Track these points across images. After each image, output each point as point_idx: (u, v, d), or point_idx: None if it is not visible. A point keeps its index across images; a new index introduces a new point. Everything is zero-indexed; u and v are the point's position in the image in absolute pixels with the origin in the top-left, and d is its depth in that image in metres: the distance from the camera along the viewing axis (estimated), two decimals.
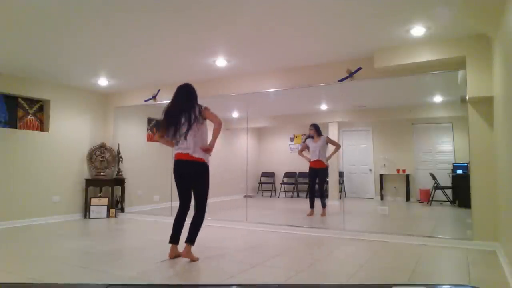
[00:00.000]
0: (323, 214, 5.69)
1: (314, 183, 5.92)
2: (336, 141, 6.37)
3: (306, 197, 8.01)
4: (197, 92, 3.52)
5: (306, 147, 6.01)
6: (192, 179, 3.36)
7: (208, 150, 3.35)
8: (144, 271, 3.00)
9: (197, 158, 3.29)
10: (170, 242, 3.34)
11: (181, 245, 3.35)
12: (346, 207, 5.93)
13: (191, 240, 3.29)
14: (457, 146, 6.62)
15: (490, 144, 3.81)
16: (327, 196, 5.95)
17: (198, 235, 3.35)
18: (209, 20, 3.46)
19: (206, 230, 4.56)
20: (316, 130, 5.91)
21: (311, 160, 5.88)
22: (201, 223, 3.37)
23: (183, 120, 3.30)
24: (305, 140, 6.07)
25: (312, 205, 5.75)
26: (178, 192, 3.42)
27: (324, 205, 5.73)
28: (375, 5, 3.16)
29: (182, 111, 3.32)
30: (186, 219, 3.44)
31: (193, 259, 3.29)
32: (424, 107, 6.54)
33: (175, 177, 3.40)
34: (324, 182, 5.93)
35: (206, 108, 3.38)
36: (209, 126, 3.45)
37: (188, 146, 3.30)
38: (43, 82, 5.83)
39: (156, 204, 6.55)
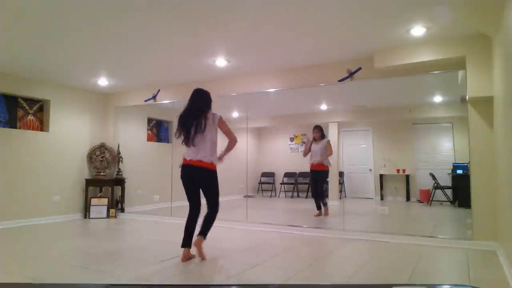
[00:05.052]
0: (325, 213, 5.70)
1: (317, 185, 5.91)
2: (334, 146, 6.30)
3: (306, 197, 8.03)
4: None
5: (309, 150, 5.96)
6: (200, 184, 3.37)
7: (220, 159, 3.42)
8: (143, 271, 3.00)
9: (205, 164, 3.30)
10: (182, 246, 3.32)
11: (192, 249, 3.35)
12: (346, 207, 5.93)
13: (203, 232, 3.33)
14: (457, 146, 6.61)
15: (490, 144, 3.81)
16: (327, 196, 5.93)
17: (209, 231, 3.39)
18: (209, 20, 3.46)
19: None
20: (320, 132, 5.89)
21: (312, 163, 5.87)
22: (214, 218, 3.40)
23: (196, 125, 3.31)
24: (311, 144, 5.97)
25: (318, 207, 5.75)
26: (187, 196, 3.44)
27: (324, 205, 5.74)
28: (375, 5, 3.15)
29: (196, 116, 3.33)
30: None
31: (201, 255, 3.29)
32: (424, 107, 6.53)
33: (183, 182, 3.40)
34: (324, 183, 5.92)
35: (221, 118, 3.42)
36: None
37: (197, 152, 3.30)
38: (43, 82, 5.83)
39: (156, 204, 6.54)
